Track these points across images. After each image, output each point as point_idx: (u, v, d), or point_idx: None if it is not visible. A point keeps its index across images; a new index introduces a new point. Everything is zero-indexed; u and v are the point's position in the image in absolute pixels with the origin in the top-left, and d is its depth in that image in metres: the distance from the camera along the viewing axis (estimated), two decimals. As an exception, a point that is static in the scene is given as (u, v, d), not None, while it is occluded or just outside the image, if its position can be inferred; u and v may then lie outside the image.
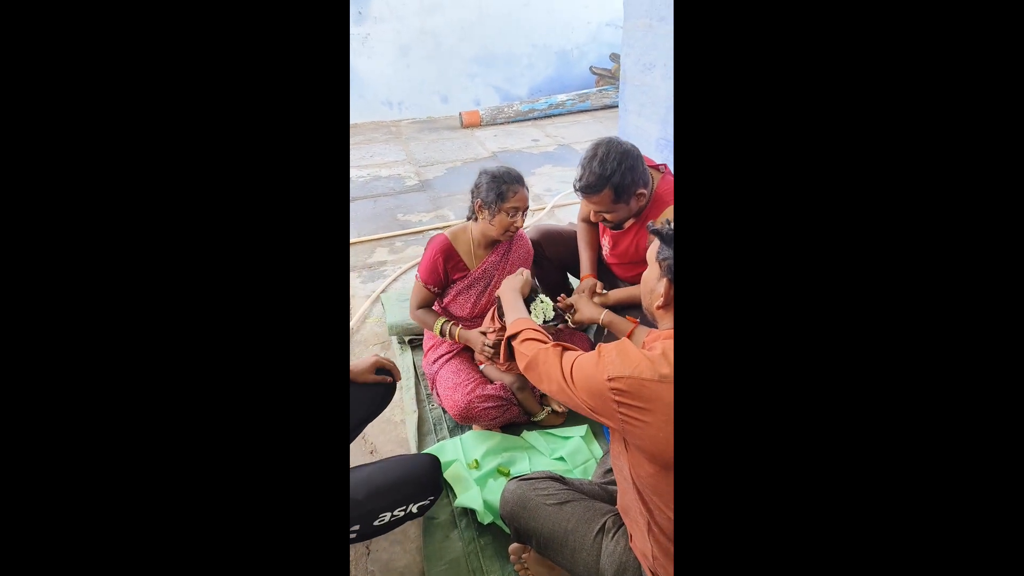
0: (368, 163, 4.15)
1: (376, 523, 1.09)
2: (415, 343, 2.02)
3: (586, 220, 1.75)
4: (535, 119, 5.11)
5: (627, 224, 1.57)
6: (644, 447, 0.83)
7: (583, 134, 4.62)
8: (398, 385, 1.42)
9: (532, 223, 2.82)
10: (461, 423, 1.61)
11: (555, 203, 3.25)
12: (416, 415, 1.69)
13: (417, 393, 1.78)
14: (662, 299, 0.90)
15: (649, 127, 2.81)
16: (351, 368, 1.27)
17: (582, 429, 1.59)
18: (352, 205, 3.34)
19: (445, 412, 1.69)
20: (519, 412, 1.62)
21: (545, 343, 1.04)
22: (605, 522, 1.03)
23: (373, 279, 2.53)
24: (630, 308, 1.61)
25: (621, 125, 3.11)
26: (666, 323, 0.92)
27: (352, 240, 2.89)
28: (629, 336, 1.41)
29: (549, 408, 1.65)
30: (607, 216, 1.50)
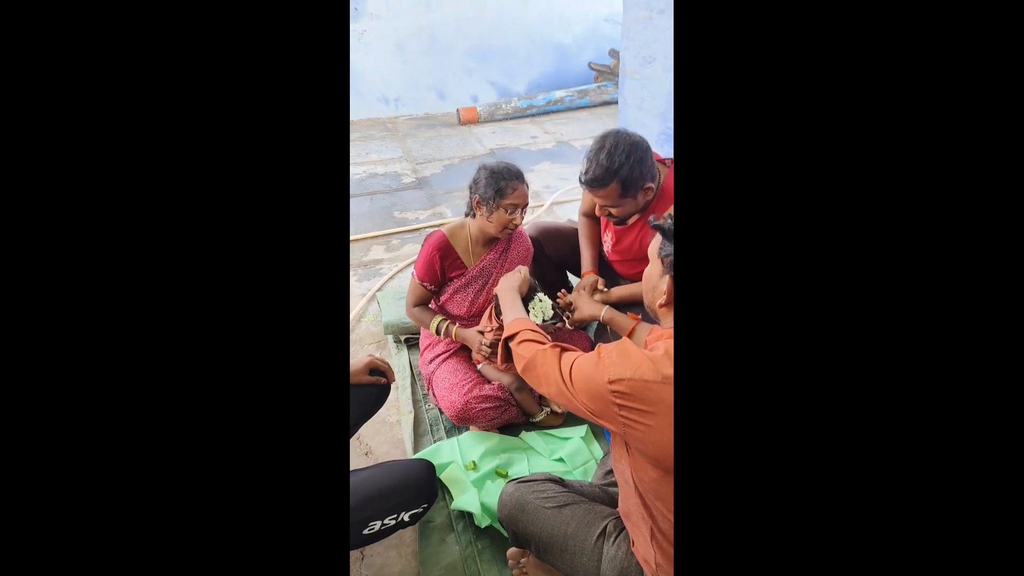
0: (364, 160, 4.11)
1: (366, 532, 1.05)
2: (411, 342, 1.99)
3: (588, 215, 1.71)
4: (533, 116, 5.08)
5: (632, 220, 1.52)
6: (647, 451, 0.80)
7: (582, 131, 4.60)
8: (394, 385, 1.39)
9: (531, 220, 2.80)
10: (458, 424, 1.58)
11: (554, 200, 3.22)
12: (412, 416, 1.66)
13: (413, 393, 1.76)
14: (664, 297, 0.87)
15: (649, 121, 2.78)
16: None
17: (582, 430, 1.57)
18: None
19: (442, 413, 1.66)
20: (517, 412, 1.60)
21: (543, 344, 1.01)
22: (606, 526, 1.01)
23: (369, 277, 2.50)
24: (632, 306, 1.57)
25: (621, 119, 3.08)
26: (668, 321, 0.90)
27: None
28: (631, 334, 1.38)
29: (548, 408, 1.62)
30: (613, 211, 1.46)
